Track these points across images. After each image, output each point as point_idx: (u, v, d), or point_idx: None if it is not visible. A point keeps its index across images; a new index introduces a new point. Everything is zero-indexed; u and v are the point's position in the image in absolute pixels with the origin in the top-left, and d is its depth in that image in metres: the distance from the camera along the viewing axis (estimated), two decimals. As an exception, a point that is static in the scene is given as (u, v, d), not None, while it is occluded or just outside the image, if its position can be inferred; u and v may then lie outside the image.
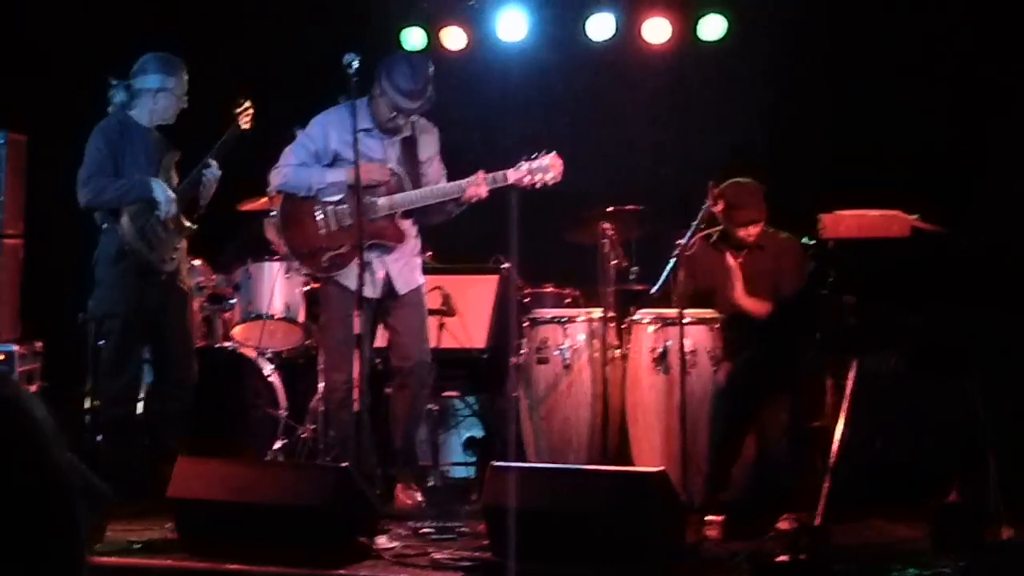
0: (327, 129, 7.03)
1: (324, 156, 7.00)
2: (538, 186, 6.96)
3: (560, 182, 7.03)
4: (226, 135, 7.26)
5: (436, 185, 7.05)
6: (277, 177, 7.10)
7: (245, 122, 7.27)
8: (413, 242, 7.21)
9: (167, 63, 7.19)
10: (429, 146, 7.21)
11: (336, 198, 7.00)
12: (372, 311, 7.07)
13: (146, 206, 7.05)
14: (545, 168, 6.93)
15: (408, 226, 7.13)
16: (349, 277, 6.86)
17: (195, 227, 7.33)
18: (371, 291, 6.96)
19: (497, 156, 7.35)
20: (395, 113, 6.97)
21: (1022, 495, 6.13)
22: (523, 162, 6.94)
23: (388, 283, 7.05)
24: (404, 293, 7.10)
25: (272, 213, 8.04)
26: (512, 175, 6.92)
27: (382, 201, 6.96)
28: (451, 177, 7.18)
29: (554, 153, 6.99)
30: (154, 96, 7.16)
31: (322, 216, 7.00)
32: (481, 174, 6.93)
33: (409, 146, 7.14)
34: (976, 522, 5.95)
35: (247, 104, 7.30)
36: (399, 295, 7.08)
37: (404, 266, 7.12)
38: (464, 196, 6.94)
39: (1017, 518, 6.01)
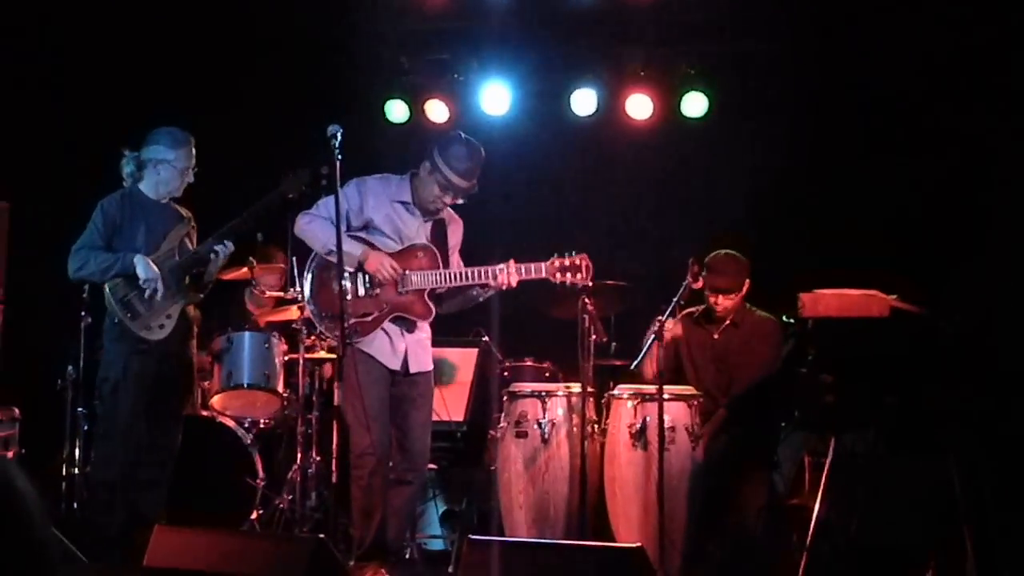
0: (366, 195, 6.92)
1: (355, 218, 6.88)
2: (568, 284, 6.81)
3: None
4: (261, 201, 7.05)
5: (467, 268, 6.93)
6: (301, 221, 6.94)
7: (293, 191, 6.95)
8: (427, 325, 7.06)
9: (171, 136, 7.17)
10: (455, 235, 7.10)
11: (348, 271, 6.79)
12: (389, 382, 6.92)
13: (129, 279, 7.04)
14: (576, 268, 6.74)
15: (433, 306, 6.98)
16: (372, 345, 6.76)
17: (199, 296, 7.27)
18: (394, 363, 6.89)
19: (480, 231, 7.34)
20: (443, 191, 6.85)
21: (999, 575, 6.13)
22: (556, 259, 6.74)
23: (405, 359, 6.95)
24: (415, 373, 6.95)
25: (254, 283, 8.05)
26: (546, 270, 6.76)
27: (415, 277, 6.86)
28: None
29: (586, 255, 6.79)
30: (155, 167, 7.16)
31: (349, 282, 6.85)
32: (513, 263, 6.74)
33: (441, 229, 7.05)
34: (953, 602, 5.95)
35: (306, 172, 6.88)
36: (411, 373, 6.95)
37: (418, 346, 7.00)
38: (495, 283, 6.80)
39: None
